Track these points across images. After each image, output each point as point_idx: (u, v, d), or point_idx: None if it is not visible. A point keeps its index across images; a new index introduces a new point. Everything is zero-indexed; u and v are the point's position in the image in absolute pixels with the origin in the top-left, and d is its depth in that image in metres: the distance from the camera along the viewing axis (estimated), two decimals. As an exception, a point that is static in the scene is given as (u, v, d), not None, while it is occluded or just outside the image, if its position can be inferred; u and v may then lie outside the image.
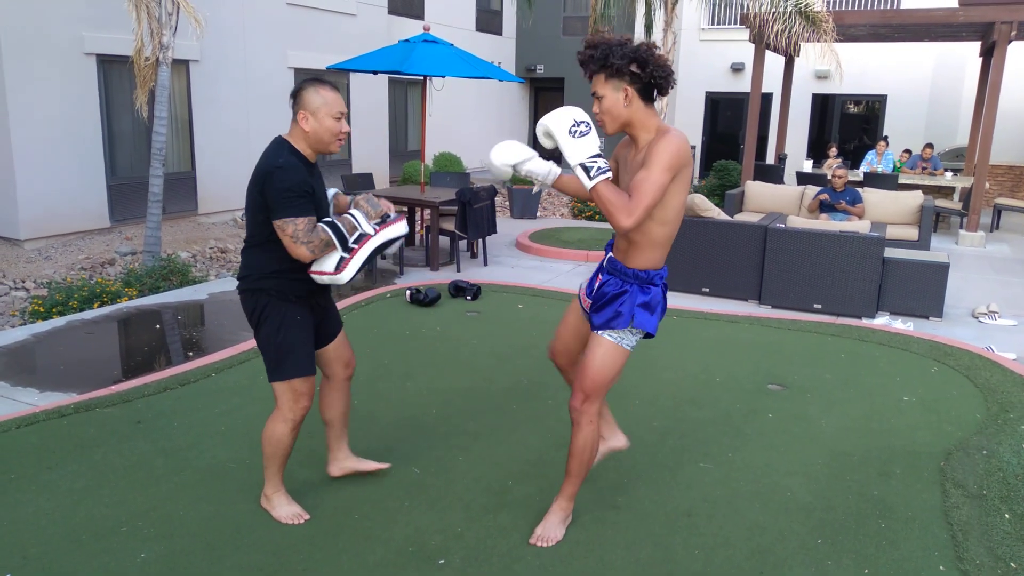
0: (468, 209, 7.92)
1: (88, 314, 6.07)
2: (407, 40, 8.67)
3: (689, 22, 17.31)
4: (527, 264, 8.55)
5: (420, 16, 16.29)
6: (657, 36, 13.98)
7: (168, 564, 2.79)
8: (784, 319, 6.27)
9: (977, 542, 3.03)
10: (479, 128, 18.61)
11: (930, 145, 12.53)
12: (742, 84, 16.99)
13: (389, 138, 15.40)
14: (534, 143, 21.36)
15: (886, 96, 16.24)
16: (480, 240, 8.59)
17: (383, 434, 3.94)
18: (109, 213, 9.89)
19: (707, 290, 7.27)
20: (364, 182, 9.22)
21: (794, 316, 6.46)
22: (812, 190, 9.64)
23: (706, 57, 17.56)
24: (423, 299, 6.37)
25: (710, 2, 13.86)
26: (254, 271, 2.90)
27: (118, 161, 10.00)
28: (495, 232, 8.59)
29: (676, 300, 7.01)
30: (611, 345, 2.83)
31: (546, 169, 2.84)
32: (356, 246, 2.88)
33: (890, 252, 6.83)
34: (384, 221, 2.98)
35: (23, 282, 7.86)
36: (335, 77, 13.53)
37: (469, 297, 6.62)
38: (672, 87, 2.74)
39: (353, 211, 2.94)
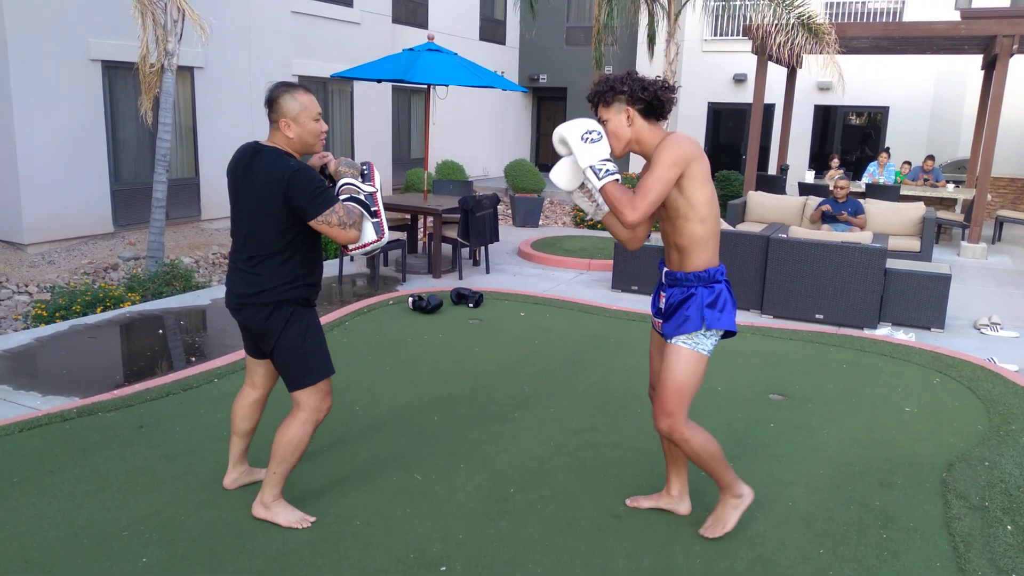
0: (471, 217, 7.94)
1: (91, 319, 6.08)
2: (411, 49, 8.70)
3: (692, 33, 17.37)
4: (529, 272, 8.57)
5: (424, 25, 16.36)
6: (660, 47, 14.05)
7: (169, 569, 2.79)
8: (786, 329, 6.28)
9: (979, 553, 3.03)
10: (482, 137, 18.67)
11: (932, 157, 12.56)
12: (744, 95, 17.03)
13: (392, 146, 15.45)
14: (537, 152, 21.43)
15: (888, 108, 16.28)
16: (482, 248, 8.61)
17: (385, 441, 3.94)
18: (113, 218, 9.91)
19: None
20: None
21: (796, 326, 6.46)
22: (814, 201, 9.65)
23: (709, 68, 17.61)
24: (425, 306, 6.37)
25: (713, 13, 13.94)
26: (275, 282, 2.88)
27: (122, 167, 10.04)
28: (497, 240, 8.61)
29: (678, 309, 7.00)
30: (687, 352, 2.87)
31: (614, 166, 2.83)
32: (375, 207, 2.95)
33: (892, 263, 6.84)
34: (365, 176, 3.02)
35: (26, 286, 7.88)
36: (339, 85, 13.59)
37: (471, 305, 6.63)
38: (674, 104, 2.87)
39: (345, 180, 2.97)
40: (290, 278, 2.89)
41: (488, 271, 8.48)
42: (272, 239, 2.85)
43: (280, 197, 2.78)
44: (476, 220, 8.03)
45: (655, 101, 2.83)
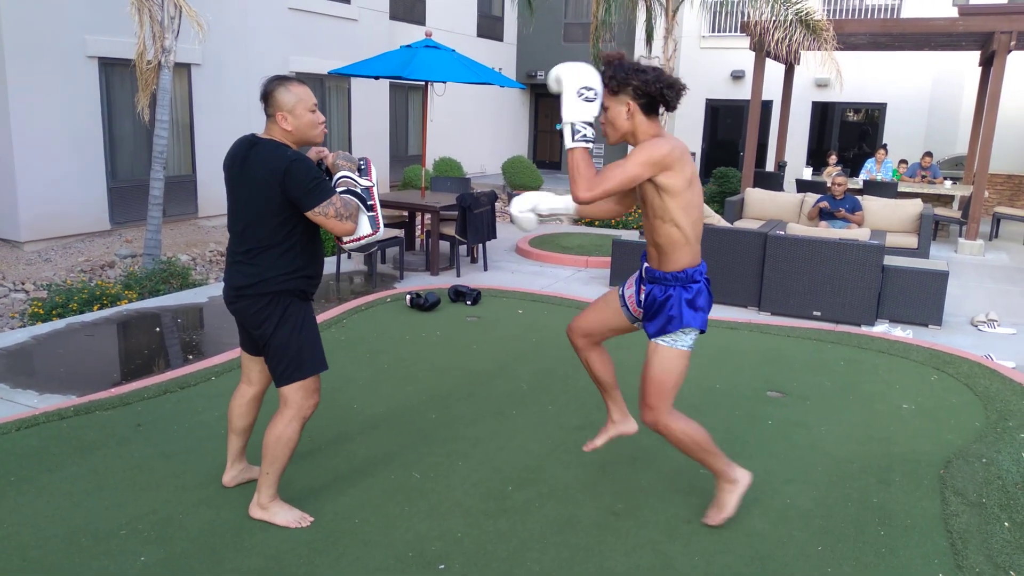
0: (468, 214, 7.94)
1: (88, 316, 6.07)
2: (409, 46, 8.69)
3: (690, 30, 17.36)
4: (527, 269, 8.56)
5: (421, 22, 16.33)
6: (658, 43, 14.02)
7: (168, 567, 2.79)
8: (784, 326, 6.28)
9: (976, 550, 3.03)
10: (480, 133, 18.65)
11: (929, 153, 12.56)
12: (742, 92, 17.03)
13: (390, 143, 15.43)
14: (534, 149, 21.41)
15: (886, 104, 16.29)
16: (480, 245, 8.60)
17: (383, 439, 3.94)
18: (109, 216, 9.89)
19: (707, 297, 7.27)
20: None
21: (794, 323, 6.47)
22: (812, 197, 9.65)
23: (706, 65, 17.60)
24: (423, 304, 6.37)
25: (711, 10, 13.93)
26: (273, 273, 2.88)
27: (119, 164, 10.02)
28: (495, 237, 8.60)
29: (676, 306, 7.01)
30: (668, 350, 2.93)
31: (564, 203, 2.99)
32: (371, 200, 2.95)
33: (889, 260, 6.84)
34: (362, 170, 3.02)
35: (23, 284, 7.86)
36: (336, 81, 13.57)
37: (469, 302, 6.63)
38: (678, 103, 2.83)
39: (342, 173, 2.96)
40: (289, 268, 2.89)
41: (486, 268, 8.47)
42: (270, 230, 2.85)
43: (277, 188, 2.78)
44: (474, 217, 8.02)
45: (659, 99, 2.80)
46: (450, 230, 8.27)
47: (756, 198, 10.16)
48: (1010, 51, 10.14)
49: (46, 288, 7.20)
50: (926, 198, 11.77)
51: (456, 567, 2.86)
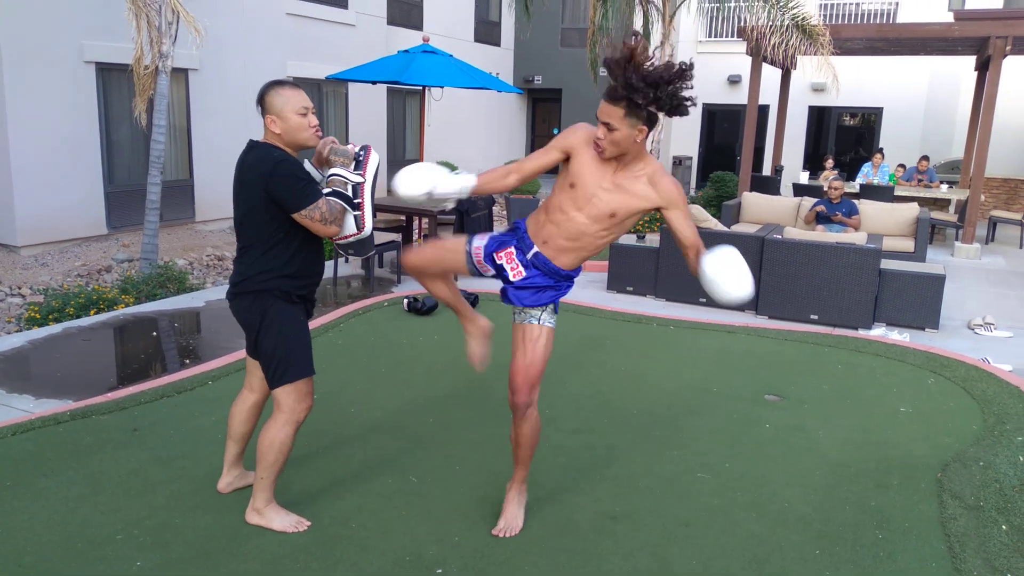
0: (466, 218, 7.94)
1: (84, 321, 6.06)
2: (406, 51, 8.71)
3: (686, 34, 17.40)
4: (524, 274, 8.55)
5: (419, 27, 16.35)
6: (654, 48, 14.05)
7: (164, 572, 2.78)
8: (781, 330, 6.28)
9: (974, 553, 3.03)
10: (477, 138, 18.66)
11: (926, 157, 12.60)
12: (739, 96, 17.06)
13: (387, 147, 15.44)
14: (532, 152, 21.42)
15: (882, 109, 16.33)
16: (478, 250, 8.58)
17: (380, 443, 3.93)
18: (106, 220, 9.88)
19: (704, 300, 7.28)
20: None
21: (791, 327, 6.47)
22: (808, 201, 9.67)
23: (703, 69, 17.59)
24: (421, 308, 6.36)
25: (707, 15, 13.96)
26: (253, 272, 2.89)
27: (116, 169, 10.01)
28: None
29: (674, 310, 7.02)
30: (548, 332, 2.99)
31: (458, 186, 2.81)
32: (359, 199, 2.92)
33: (886, 264, 6.85)
34: (359, 162, 2.97)
35: (19, 289, 7.85)
36: (334, 86, 13.57)
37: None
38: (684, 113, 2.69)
39: (334, 169, 2.94)
40: (267, 268, 2.88)
41: (483, 272, 8.46)
42: (257, 230, 2.87)
43: (263, 189, 2.80)
44: (471, 221, 8.02)
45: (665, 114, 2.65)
46: (448, 234, 8.27)
47: (753, 202, 10.17)
48: (1005, 56, 10.18)
49: (43, 293, 7.19)
50: (923, 202, 11.79)
51: (453, 571, 2.85)
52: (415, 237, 9.42)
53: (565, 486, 3.53)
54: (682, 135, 18.05)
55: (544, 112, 21.31)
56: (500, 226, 11.68)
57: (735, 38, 16.60)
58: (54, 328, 5.85)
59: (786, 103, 13.92)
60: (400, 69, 8.19)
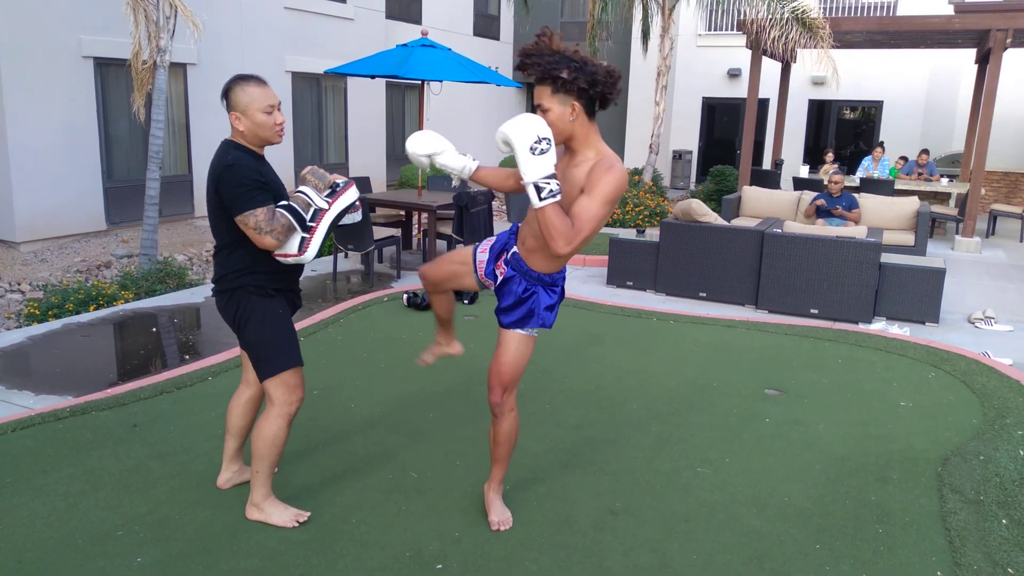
0: (465, 213, 7.92)
1: (84, 317, 6.05)
2: (405, 45, 8.67)
3: (686, 28, 17.36)
4: (524, 268, 8.54)
5: (418, 21, 16.31)
6: (654, 42, 14.03)
7: (164, 568, 2.78)
8: (781, 324, 6.28)
9: (974, 548, 3.03)
10: (476, 132, 18.62)
11: (926, 151, 12.58)
12: (739, 90, 17.03)
13: (386, 142, 15.41)
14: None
15: (882, 102, 16.30)
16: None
17: (380, 438, 3.93)
18: (105, 216, 9.87)
19: (704, 295, 7.28)
20: (361, 186, 9.21)
21: (791, 321, 6.47)
22: (809, 195, 9.65)
23: (703, 63, 17.60)
24: (420, 303, 6.36)
25: (707, 8, 13.93)
26: (230, 271, 2.89)
27: (115, 164, 9.99)
28: (492, 236, 8.58)
29: (673, 305, 7.01)
30: (521, 338, 2.97)
31: (461, 164, 2.91)
32: (314, 223, 2.87)
33: (886, 257, 6.84)
34: (335, 191, 2.94)
35: (19, 285, 7.84)
36: (333, 81, 13.55)
37: (466, 301, 6.62)
38: (616, 102, 2.69)
39: (303, 188, 2.90)
40: (239, 266, 2.87)
41: (483, 267, 8.45)
42: (222, 229, 2.87)
43: (214, 191, 2.80)
44: (471, 216, 8.01)
45: (600, 99, 2.64)
46: (447, 229, 8.26)
47: (753, 196, 10.16)
48: (1006, 48, 10.15)
49: (42, 289, 7.18)
50: (923, 196, 11.78)
51: (454, 567, 2.85)
52: (414, 232, 9.41)
53: (565, 482, 3.53)
54: (682, 129, 18.02)
55: (543, 106, 21.26)
56: (499, 221, 11.68)
57: (735, 31, 16.58)
58: (54, 324, 5.85)
59: (786, 97, 13.89)
60: (399, 63, 8.17)
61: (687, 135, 18.02)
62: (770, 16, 10.86)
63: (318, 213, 2.88)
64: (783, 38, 10.78)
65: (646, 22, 13.30)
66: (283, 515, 3.07)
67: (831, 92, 15.97)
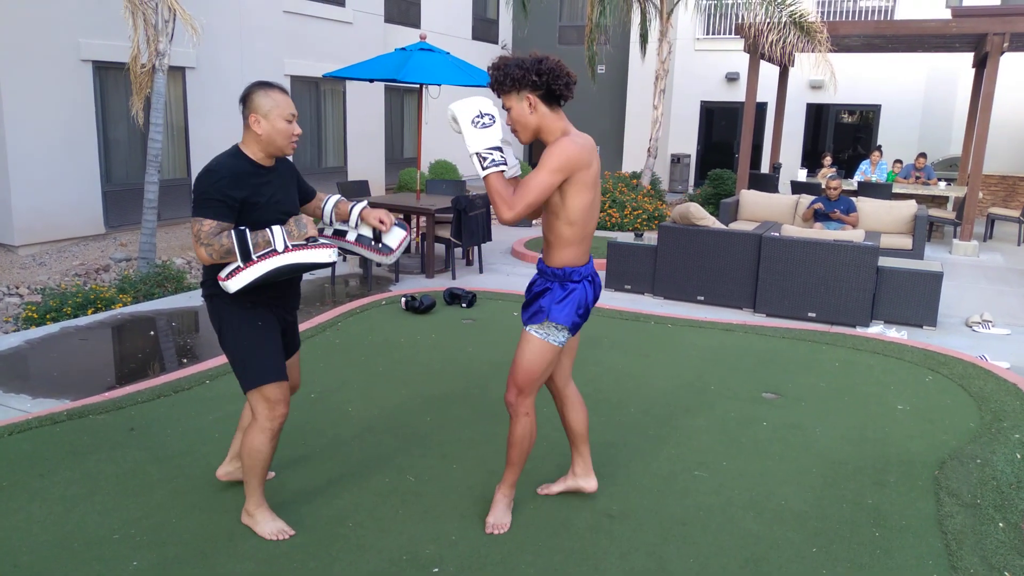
0: (463, 217, 7.93)
1: (82, 320, 6.05)
2: (403, 48, 8.69)
3: (684, 32, 17.39)
4: (522, 272, 8.56)
5: (416, 25, 16.33)
6: (652, 46, 14.06)
7: (161, 572, 2.78)
8: (779, 327, 6.29)
9: (971, 551, 3.03)
10: (475, 136, 18.63)
11: (924, 155, 12.59)
12: (737, 94, 17.06)
13: (385, 146, 15.42)
14: (530, 152, 21.39)
15: (880, 106, 16.33)
16: (475, 248, 8.60)
17: (377, 442, 3.93)
18: (104, 219, 9.87)
19: (702, 298, 7.28)
20: (360, 189, 9.22)
21: (788, 324, 6.47)
22: (806, 199, 9.67)
23: (701, 67, 17.63)
24: (418, 306, 6.36)
25: (705, 12, 13.97)
26: (210, 277, 2.87)
27: (113, 167, 10.00)
28: (490, 240, 8.60)
29: (671, 308, 7.02)
30: (537, 341, 2.96)
31: (513, 162, 2.90)
32: (255, 261, 2.75)
33: (884, 261, 6.85)
34: (303, 244, 2.84)
35: (17, 288, 7.84)
36: (331, 84, 13.56)
37: (464, 304, 6.62)
38: (571, 94, 2.84)
39: (275, 227, 2.82)
40: (215, 273, 2.82)
41: (481, 271, 8.47)
42: None
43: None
44: (469, 220, 8.02)
45: (549, 88, 2.80)
46: (445, 233, 8.26)
47: (751, 200, 10.17)
48: (1003, 52, 10.18)
49: (40, 292, 7.18)
50: (920, 199, 11.80)
51: (450, 570, 2.85)
52: (413, 236, 9.42)
53: (562, 485, 3.52)
54: (680, 133, 18.04)
55: (542, 110, 21.28)
56: (497, 226, 11.69)
57: (733, 35, 16.60)
58: (51, 328, 5.85)
59: (784, 100, 13.91)
60: (397, 67, 8.18)
61: (685, 139, 18.04)
62: (768, 20, 10.89)
63: (269, 254, 2.78)
64: (781, 42, 10.80)
65: (644, 26, 13.32)
66: (269, 527, 3.03)
67: (829, 96, 15.99)
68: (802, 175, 13.00)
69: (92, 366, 5.14)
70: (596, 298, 3.05)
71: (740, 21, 11.50)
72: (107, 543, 2.94)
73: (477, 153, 2.76)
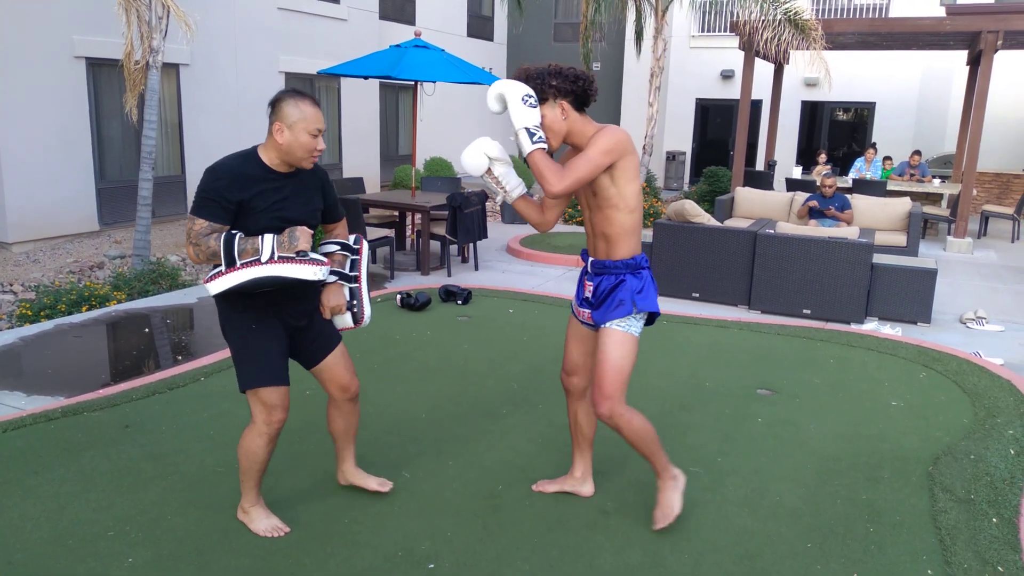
0: (459, 214, 7.93)
1: (76, 318, 6.03)
2: (398, 45, 8.67)
3: (679, 29, 17.39)
4: (518, 269, 8.56)
5: (411, 21, 16.31)
6: (647, 43, 14.05)
7: (155, 569, 2.77)
8: (773, 324, 6.30)
9: (965, 546, 3.05)
10: (470, 133, 18.62)
11: (918, 152, 12.62)
12: (732, 91, 17.07)
13: (380, 143, 15.40)
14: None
15: (874, 104, 16.36)
16: (471, 245, 8.59)
17: (373, 439, 3.93)
18: (98, 216, 9.84)
19: (697, 295, 7.29)
20: (355, 187, 9.21)
21: (783, 321, 6.49)
22: (801, 196, 9.68)
23: (696, 64, 17.64)
24: (413, 303, 6.36)
25: (700, 9, 13.97)
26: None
27: (107, 165, 9.97)
28: (486, 237, 8.60)
29: (666, 305, 7.03)
30: (621, 334, 2.95)
31: (516, 181, 2.99)
32: (238, 267, 2.70)
33: (878, 258, 6.87)
34: (291, 257, 2.75)
35: (11, 285, 7.81)
36: (326, 81, 13.53)
37: (460, 302, 6.62)
38: (594, 96, 2.92)
39: (267, 236, 2.74)
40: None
41: (477, 268, 8.47)
42: None
43: None
44: (464, 217, 8.01)
45: (583, 93, 2.88)
46: (440, 230, 8.26)
47: (746, 197, 10.18)
48: (997, 50, 10.20)
49: (34, 289, 7.15)
50: (915, 196, 11.82)
51: (446, 566, 2.85)
52: (408, 233, 9.41)
53: (557, 481, 3.53)
54: (675, 130, 18.05)
55: (537, 107, 21.26)
56: (493, 223, 11.67)
57: (728, 33, 16.61)
58: (46, 325, 5.83)
59: (779, 98, 13.93)
60: (392, 64, 8.17)
61: (680, 136, 18.06)
62: (763, 17, 10.89)
63: (252, 262, 2.71)
64: (776, 39, 10.81)
65: (639, 23, 13.31)
66: (264, 523, 3.03)
67: (824, 93, 16.01)
68: (797, 172, 13.04)
69: (86, 363, 5.12)
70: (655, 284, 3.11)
71: (735, 18, 11.51)
72: (102, 540, 2.94)
73: (526, 128, 2.78)
